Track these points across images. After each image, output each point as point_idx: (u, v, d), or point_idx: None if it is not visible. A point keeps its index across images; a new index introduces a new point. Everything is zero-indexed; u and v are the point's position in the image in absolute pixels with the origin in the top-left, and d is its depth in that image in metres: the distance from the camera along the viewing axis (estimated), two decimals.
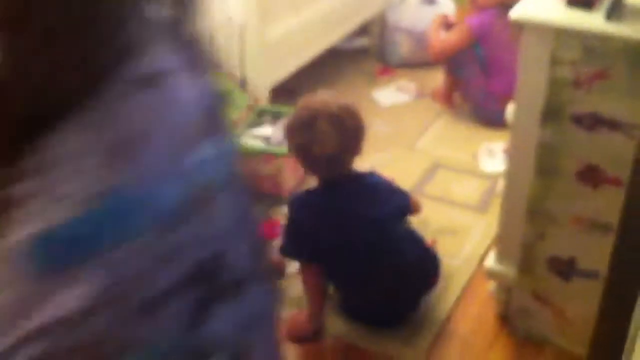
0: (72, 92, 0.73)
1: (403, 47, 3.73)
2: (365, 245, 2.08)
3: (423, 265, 2.20)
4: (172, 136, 0.79)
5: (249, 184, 1.05)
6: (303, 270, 2.19)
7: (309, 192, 2.17)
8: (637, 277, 1.06)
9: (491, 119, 3.10)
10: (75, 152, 0.72)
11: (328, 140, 2.01)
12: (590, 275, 1.97)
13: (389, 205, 2.15)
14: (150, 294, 0.76)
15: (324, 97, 2.14)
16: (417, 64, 3.70)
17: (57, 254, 0.73)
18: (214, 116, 0.89)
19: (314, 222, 2.08)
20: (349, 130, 2.05)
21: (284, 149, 2.72)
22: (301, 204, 2.14)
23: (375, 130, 3.19)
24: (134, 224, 0.75)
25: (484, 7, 3.16)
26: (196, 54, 0.87)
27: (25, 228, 0.71)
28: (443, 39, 3.28)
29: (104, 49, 0.74)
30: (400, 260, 2.11)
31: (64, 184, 0.72)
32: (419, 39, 3.65)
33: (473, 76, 3.24)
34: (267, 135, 2.86)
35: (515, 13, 1.86)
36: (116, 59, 0.75)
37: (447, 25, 3.37)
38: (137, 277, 0.75)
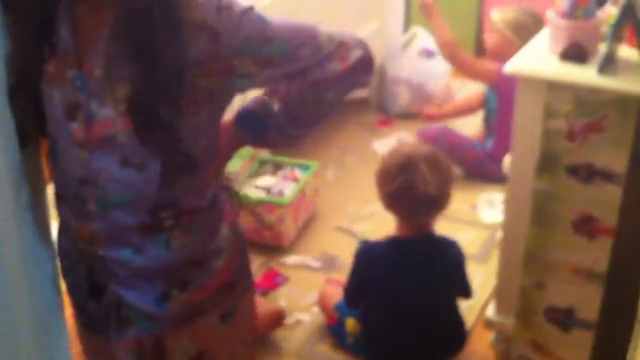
0: None
1: (402, 98, 3.79)
2: (417, 308, 2.09)
3: (456, 331, 2.19)
4: None
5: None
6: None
7: (379, 244, 2.15)
8: (628, 325, 1.07)
9: (490, 176, 3.14)
10: None
11: (430, 180, 1.99)
12: (590, 326, 1.97)
13: (451, 282, 2.15)
14: None
15: (409, 144, 2.16)
16: (416, 114, 3.75)
17: None
18: None
19: (379, 275, 2.09)
20: (445, 172, 2.05)
21: (284, 199, 2.75)
22: (370, 256, 2.13)
23: (374, 181, 3.22)
24: None
25: (504, 58, 3.14)
26: None
27: None
28: (476, 65, 3.23)
29: None
30: (441, 324, 2.13)
31: None
32: (418, 90, 3.71)
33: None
34: (268, 185, 2.88)
35: (509, 66, 1.91)
36: None
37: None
38: None
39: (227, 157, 1.38)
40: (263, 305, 2.39)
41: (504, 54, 2.99)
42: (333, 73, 1.24)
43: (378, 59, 3.79)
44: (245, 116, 1.34)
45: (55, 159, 1.25)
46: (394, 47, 3.87)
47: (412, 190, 1.99)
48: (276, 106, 1.30)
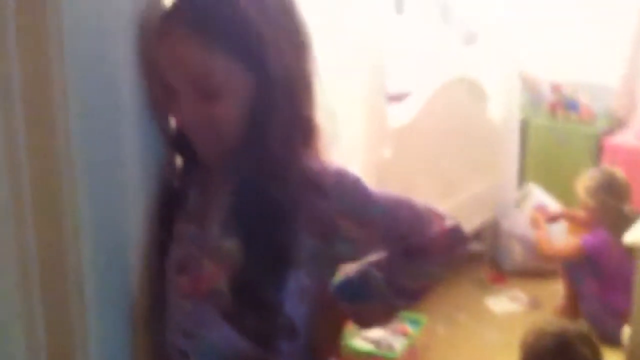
0: None
1: (517, 255, 3.73)
2: None
3: None
4: None
5: None
6: None
7: None
8: None
9: (607, 335, 3.00)
10: None
11: None
12: None
13: None
14: None
15: (548, 322, 2.06)
16: (531, 272, 3.67)
17: None
18: None
19: None
20: (599, 350, 1.95)
21: (394, 353, 2.71)
22: None
23: (487, 339, 3.14)
24: None
25: (599, 224, 3.15)
26: None
27: None
28: (553, 247, 3.28)
29: None
30: None
31: None
32: (534, 247, 3.65)
33: (589, 285, 3.20)
34: (378, 338, 2.86)
35: (628, 238, 1.87)
36: None
37: (550, 217, 3.44)
38: None
39: (330, 336, 1.33)
40: None
41: (597, 221, 3.08)
42: (431, 238, 1.26)
43: (492, 214, 3.80)
44: (344, 286, 1.31)
45: (163, 312, 1.26)
46: (508, 202, 3.86)
47: None
48: (379, 275, 1.28)
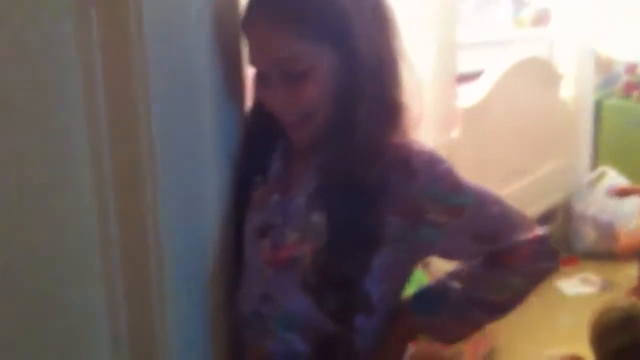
0: None
1: (589, 237, 3.68)
2: None
3: None
4: None
5: None
6: None
7: None
8: None
9: None
10: None
11: None
12: None
13: None
14: None
15: (622, 299, 2.06)
16: (603, 254, 3.62)
17: None
18: None
19: None
20: None
21: None
22: None
23: (558, 322, 3.11)
24: None
25: None
26: None
27: None
28: (630, 243, 3.20)
29: None
30: None
31: None
32: (606, 229, 3.60)
33: None
34: None
35: None
36: None
37: (622, 192, 3.29)
38: None
39: (398, 347, 1.30)
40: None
41: None
42: (518, 242, 1.22)
43: (564, 196, 3.75)
44: (421, 296, 1.30)
45: (241, 276, 1.28)
46: (580, 184, 3.81)
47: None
48: (456, 284, 1.26)
